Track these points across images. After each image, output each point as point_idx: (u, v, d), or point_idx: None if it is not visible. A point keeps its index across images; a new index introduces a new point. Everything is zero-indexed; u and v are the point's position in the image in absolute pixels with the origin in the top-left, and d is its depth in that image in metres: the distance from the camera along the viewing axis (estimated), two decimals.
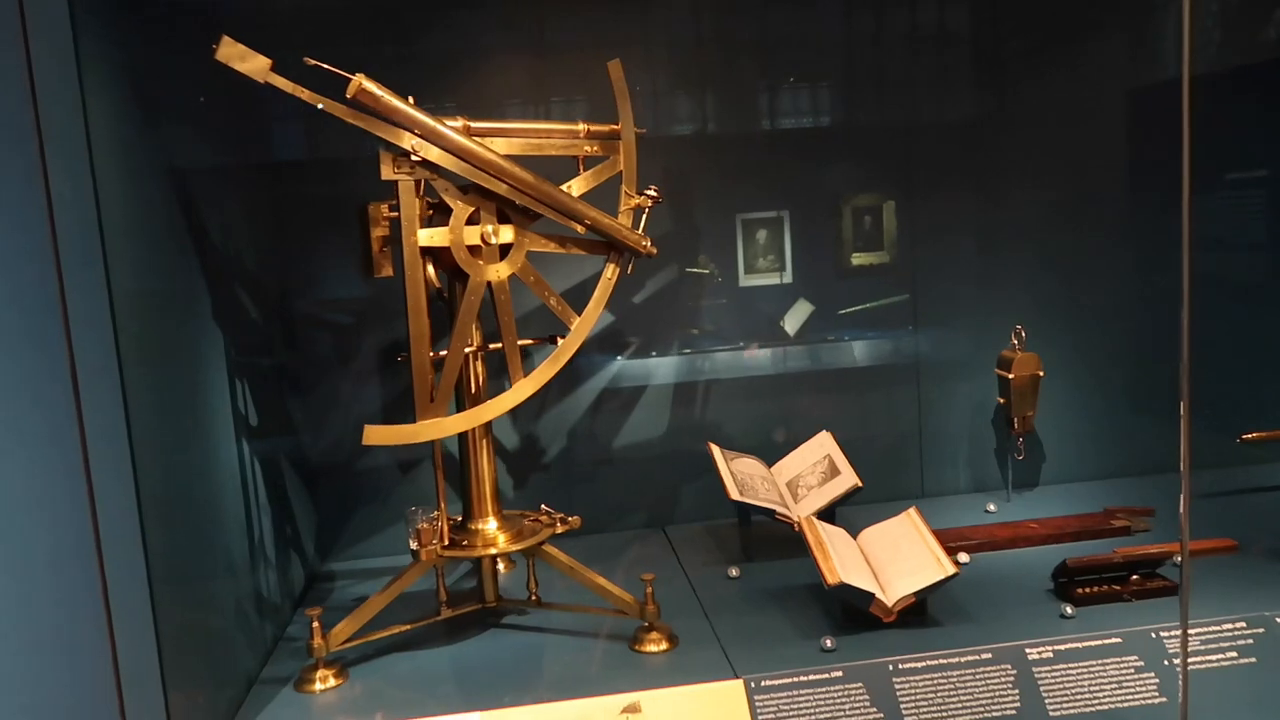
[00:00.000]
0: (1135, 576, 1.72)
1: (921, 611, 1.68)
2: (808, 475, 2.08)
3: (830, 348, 2.39)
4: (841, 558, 1.70)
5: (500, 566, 1.99)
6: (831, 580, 1.62)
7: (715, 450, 2.09)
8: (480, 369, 1.72)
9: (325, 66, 1.41)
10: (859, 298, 2.39)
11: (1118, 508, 2.14)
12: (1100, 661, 1.54)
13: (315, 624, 1.60)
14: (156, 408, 1.36)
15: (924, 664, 1.53)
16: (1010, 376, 2.18)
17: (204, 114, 1.71)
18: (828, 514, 2.01)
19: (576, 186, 1.72)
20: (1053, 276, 2.38)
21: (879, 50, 2.37)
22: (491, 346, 1.72)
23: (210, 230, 1.68)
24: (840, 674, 1.51)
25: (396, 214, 1.57)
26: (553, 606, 1.79)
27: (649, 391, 2.32)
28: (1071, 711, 1.49)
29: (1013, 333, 2.21)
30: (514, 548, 1.72)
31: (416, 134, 1.51)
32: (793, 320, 2.39)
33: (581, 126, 1.74)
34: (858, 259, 2.37)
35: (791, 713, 1.46)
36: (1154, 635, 1.57)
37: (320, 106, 1.44)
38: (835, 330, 2.40)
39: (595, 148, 1.75)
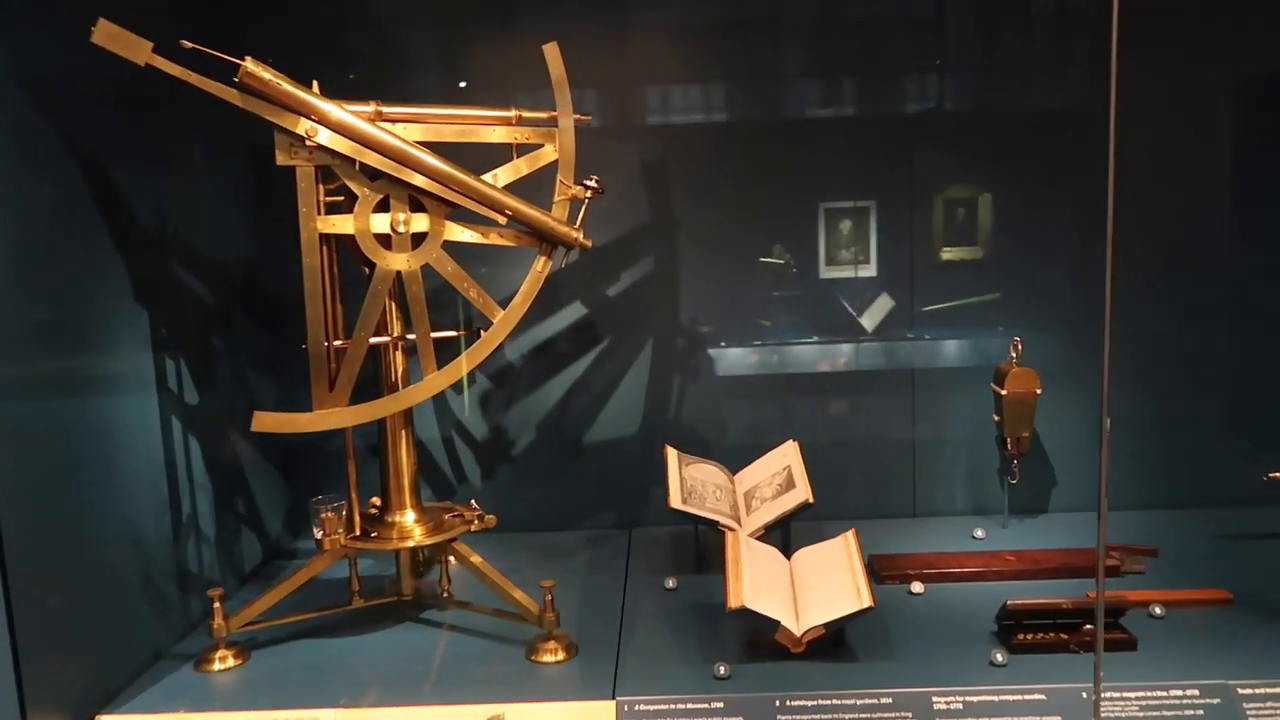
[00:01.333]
0: (1088, 626, 1.54)
1: (839, 644, 1.55)
2: (764, 486, 1.96)
3: (910, 346, 2.25)
4: (759, 580, 1.59)
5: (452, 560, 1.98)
6: (734, 603, 1.51)
7: (670, 454, 2.00)
8: (400, 360, 1.70)
9: (208, 51, 1.40)
10: (947, 295, 2.25)
11: (1116, 545, 1.93)
12: (1015, 719, 1.39)
13: (216, 604, 1.62)
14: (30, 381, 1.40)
15: (814, 702, 1.41)
16: (1003, 393, 2.00)
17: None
18: (782, 529, 1.89)
19: (503, 175, 1.67)
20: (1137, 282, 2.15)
21: (979, 34, 2.22)
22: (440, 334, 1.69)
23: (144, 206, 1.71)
24: (721, 705, 1.41)
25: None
26: (463, 606, 1.75)
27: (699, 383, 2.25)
28: None
29: (1010, 345, 2.02)
30: (425, 542, 1.69)
31: (312, 119, 1.49)
32: (871, 316, 2.26)
33: (514, 113, 1.69)
34: (948, 254, 2.22)
35: None
36: (1085, 695, 1.40)
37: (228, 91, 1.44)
38: (918, 328, 2.25)
39: (528, 134, 1.70)
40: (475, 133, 1.65)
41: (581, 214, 1.71)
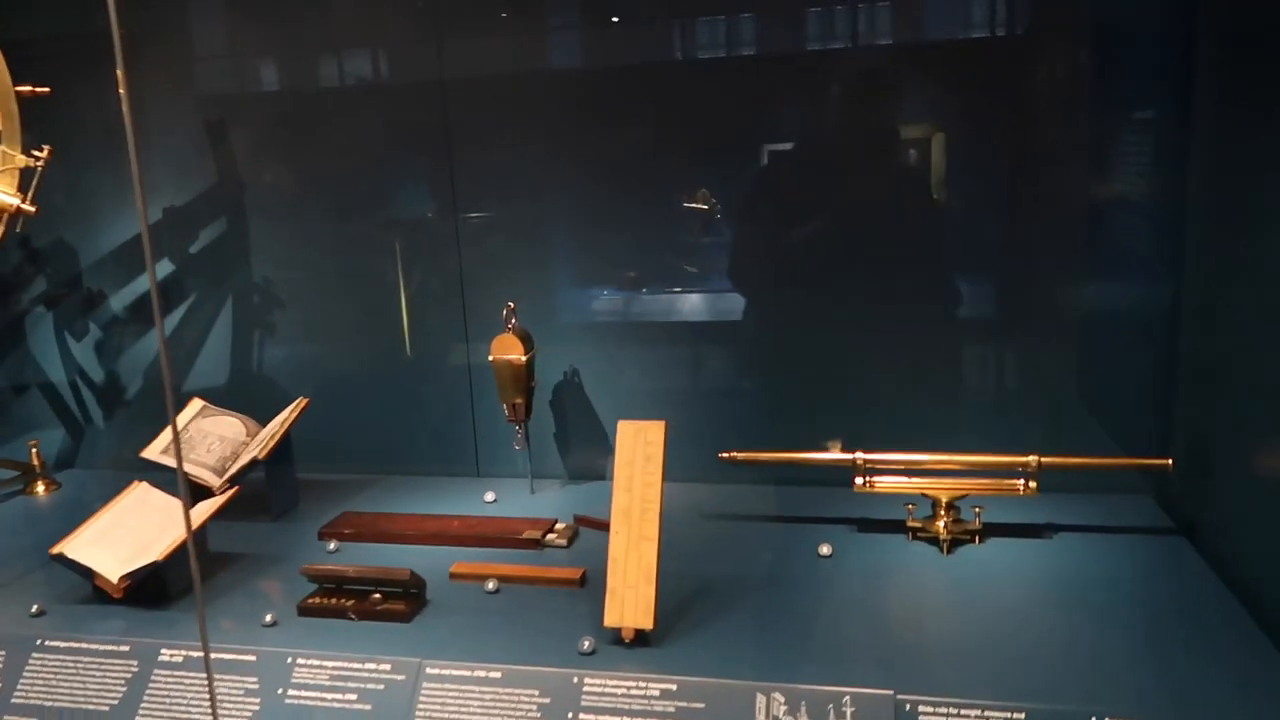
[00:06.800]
0: (377, 595, 1.57)
1: (163, 594, 1.65)
2: (256, 444, 2.06)
3: None
4: (117, 531, 1.72)
5: (41, 488, 2.22)
6: (52, 550, 1.65)
7: (192, 405, 2.13)
8: None
9: None
10: None
11: (584, 517, 1.91)
12: (225, 676, 1.46)
13: None
14: None
15: (68, 645, 1.53)
16: (490, 360, 1.99)
17: None
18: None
19: None
20: None
21: None
22: None
23: None
24: None
25: None
26: None
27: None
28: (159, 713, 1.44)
29: (505, 309, 2.00)
30: None
31: None
32: None
33: None
34: None
35: None
36: (289, 660, 1.45)
37: None
38: None
39: None
40: None
41: (35, 182, 1.85)
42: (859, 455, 1.76)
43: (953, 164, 1.96)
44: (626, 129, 2.10)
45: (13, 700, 1.49)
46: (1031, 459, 1.69)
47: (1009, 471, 1.72)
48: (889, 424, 1.92)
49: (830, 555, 1.72)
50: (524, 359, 1.97)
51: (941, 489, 1.74)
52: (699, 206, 2.11)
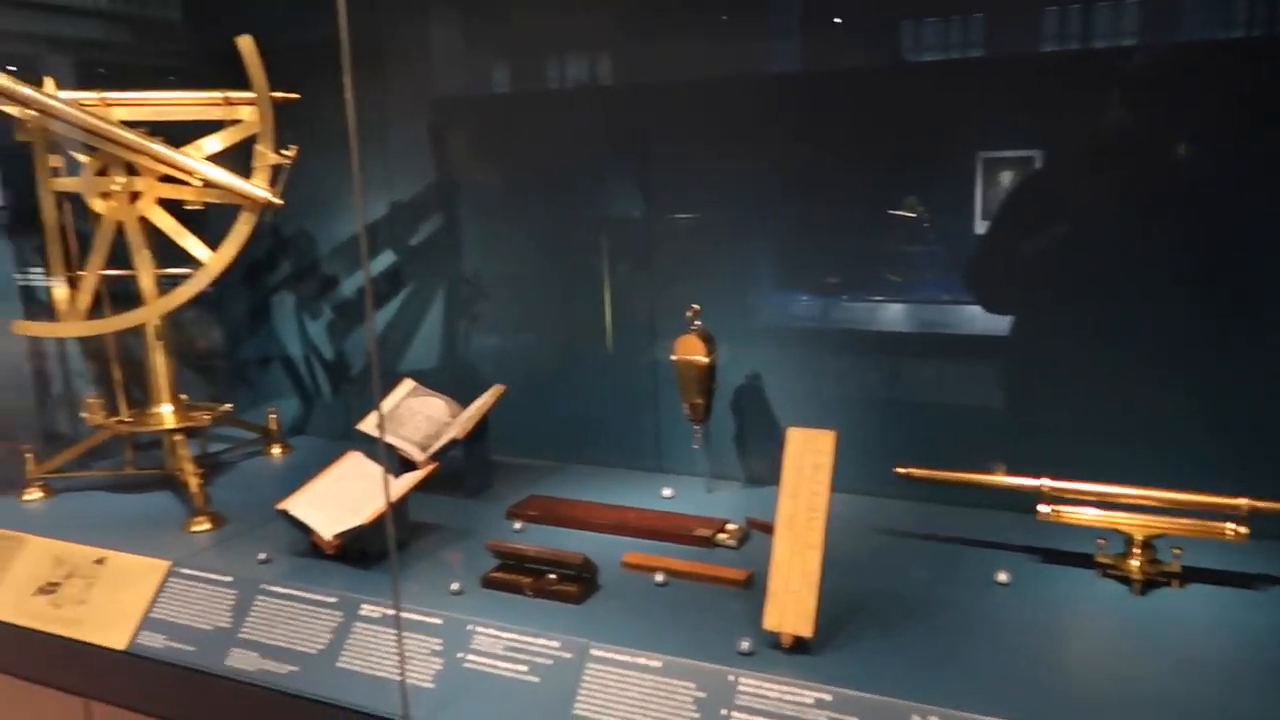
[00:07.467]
0: (553, 576, 1.66)
1: (367, 555, 1.82)
2: (456, 424, 2.21)
3: None
4: (333, 494, 1.90)
5: (276, 450, 2.51)
6: (278, 505, 1.85)
7: (403, 385, 2.31)
8: (149, 287, 2.17)
9: None
10: None
11: (756, 520, 1.93)
12: (413, 635, 1.59)
13: (28, 454, 2.27)
14: None
15: (287, 591, 1.73)
16: (673, 359, 2.05)
17: None
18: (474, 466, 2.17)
19: (211, 145, 2.08)
20: None
21: None
22: (170, 272, 2.18)
23: None
24: (215, 577, 1.79)
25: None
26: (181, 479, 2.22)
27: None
28: (357, 667, 1.59)
29: (689, 310, 2.05)
30: (156, 429, 2.21)
31: (33, 110, 2.00)
32: None
33: (222, 95, 2.08)
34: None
35: (178, 596, 1.79)
36: (470, 628, 1.57)
37: None
38: None
39: (234, 112, 2.09)
40: (175, 112, 2.08)
41: (283, 177, 2.08)
42: (1045, 482, 1.68)
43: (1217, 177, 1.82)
44: (834, 132, 2.09)
45: (239, 635, 1.70)
46: (1242, 502, 1.55)
47: (1215, 513, 1.59)
48: (1078, 450, 1.81)
49: (1008, 583, 1.65)
50: (706, 360, 2.02)
51: (1137, 525, 1.63)
52: (907, 214, 2.07)
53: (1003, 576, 1.65)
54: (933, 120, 2.00)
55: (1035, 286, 2.01)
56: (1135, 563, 1.61)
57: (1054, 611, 1.57)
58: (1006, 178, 2.00)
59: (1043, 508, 1.68)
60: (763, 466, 2.21)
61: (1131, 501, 1.64)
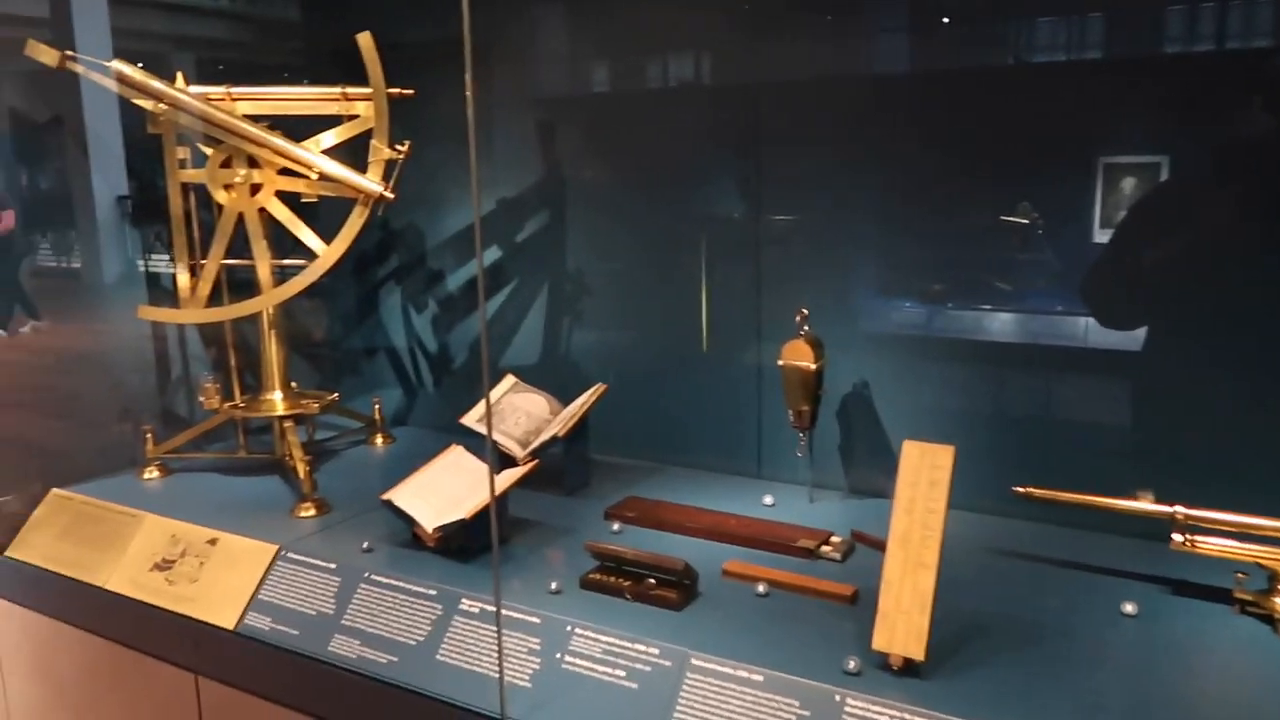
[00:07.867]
0: (652, 580, 1.63)
1: (466, 549, 1.82)
2: (558, 422, 2.20)
3: None
4: (436, 487, 1.92)
5: (380, 440, 2.56)
6: (383, 495, 1.87)
7: (506, 380, 2.32)
8: (266, 276, 2.23)
9: (81, 58, 2.05)
10: None
11: (861, 533, 1.87)
12: (511, 632, 1.58)
13: (149, 434, 2.35)
14: None
15: (388, 581, 1.75)
16: (780, 364, 1.99)
17: None
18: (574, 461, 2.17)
19: (327, 140, 2.12)
20: None
21: None
22: (286, 262, 2.23)
23: None
24: (320, 563, 1.81)
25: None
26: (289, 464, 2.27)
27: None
28: (455, 661, 1.60)
29: (798, 315, 1.99)
30: (268, 414, 2.26)
31: (164, 103, 2.07)
32: None
33: (340, 90, 2.12)
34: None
35: (284, 580, 1.83)
36: (569, 629, 1.55)
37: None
38: None
39: (352, 108, 2.13)
40: (295, 107, 2.13)
41: (396, 172, 2.11)
42: (1179, 509, 1.57)
43: None
44: (946, 135, 2.01)
45: (342, 622, 1.72)
46: None
47: None
48: (1215, 477, 1.69)
49: (1135, 615, 1.55)
50: (813, 366, 1.96)
51: None
52: (1019, 220, 1.98)
53: (1129, 607, 1.56)
54: (1052, 123, 1.91)
55: (1159, 301, 1.90)
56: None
57: (1185, 648, 1.47)
58: (1129, 185, 1.90)
59: (1176, 536, 1.57)
60: (867, 477, 2.14)
61: (1276, 534, 1.53)
